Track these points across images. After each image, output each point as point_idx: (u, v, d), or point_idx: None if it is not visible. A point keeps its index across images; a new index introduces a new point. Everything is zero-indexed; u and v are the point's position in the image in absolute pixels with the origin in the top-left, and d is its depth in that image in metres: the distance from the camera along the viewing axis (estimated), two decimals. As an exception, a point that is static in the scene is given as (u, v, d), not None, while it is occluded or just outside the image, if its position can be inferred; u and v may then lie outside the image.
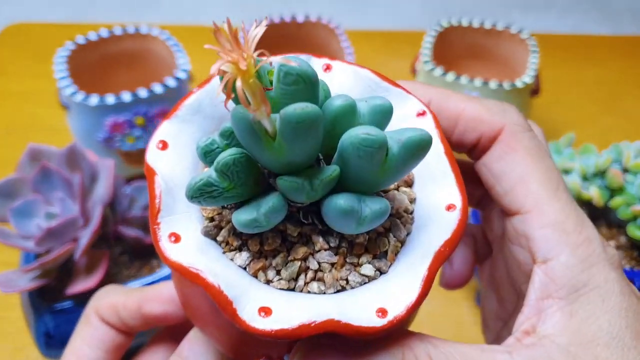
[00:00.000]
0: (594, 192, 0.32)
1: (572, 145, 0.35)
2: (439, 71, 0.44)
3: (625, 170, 0.33)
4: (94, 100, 0.39)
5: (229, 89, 0.11)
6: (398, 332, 0.13)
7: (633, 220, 0.31)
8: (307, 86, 0.11)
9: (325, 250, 0.13)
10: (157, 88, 0.40)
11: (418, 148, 0.12)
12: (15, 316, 0.38)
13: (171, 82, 0.41)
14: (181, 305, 0.16)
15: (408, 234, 0.14)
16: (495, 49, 0.51)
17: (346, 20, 0.76)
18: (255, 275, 0.13)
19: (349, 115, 0.12)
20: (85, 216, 0.29)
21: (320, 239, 0.13)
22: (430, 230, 0.13)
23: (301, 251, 0.13)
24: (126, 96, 0.40)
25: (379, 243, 0.13)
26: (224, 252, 0.13)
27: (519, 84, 0.43)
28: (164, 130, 0.15)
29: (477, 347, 0.13)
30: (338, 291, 0.13)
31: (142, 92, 0.40)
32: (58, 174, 0.29)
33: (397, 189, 0.14)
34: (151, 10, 0.78)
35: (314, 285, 0.13)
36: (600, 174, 0.33)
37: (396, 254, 0.13)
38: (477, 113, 0.16)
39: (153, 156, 0.14)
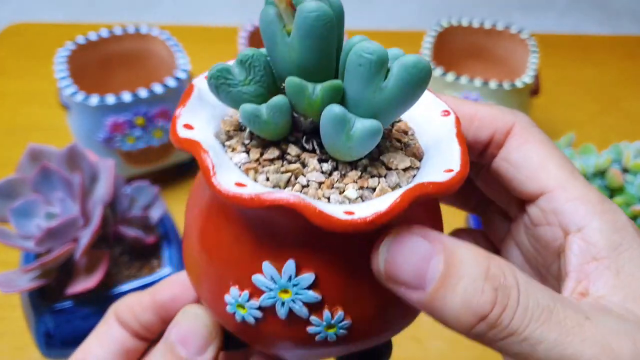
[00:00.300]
0: (593, 192, 0.32)
1: (572, 145, 0.35)
2: (439, 71, 0.44)
3: (625, 170, 0.33)
4: (94, 100, 0.39)
5: None
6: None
7: (633, 220, 0.31)
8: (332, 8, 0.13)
9: (317, 171, 0.13)
10: (157, 88, 0.40)
11: (415, 68, 0.12)
12: (15, 316, 0.38)
13: (171, 82, 0.41)
14: (184, 257, 0.16)
15: (400, 186, 0.14)
16: (495, 49, 0.50)
17: (346, 21, 0.76)
18: (245, 173, 0.13)
19: None
20: (86, 216, 0.29)
21: (315, 162, 0.13)
22: (421, 180, 0.13)
23: (294, 166, 0.13)
24: (126, 96, 0.40)
25: (370, 181, 0.13)
26: (226, 152, 0.14)
27: (518, 84, 0.43)
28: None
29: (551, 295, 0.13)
30: None
31: (142, 92, 0.40)
32: (58, 174, 0.29)
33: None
34: (151, 10, 0.78)
35: None
36: (600, 174, 0.33)
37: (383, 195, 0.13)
38: (490, 112, 0.17)
39: (199, 80, 0.15)
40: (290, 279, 0.13)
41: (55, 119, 0.54)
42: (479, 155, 0.18)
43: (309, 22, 0.12)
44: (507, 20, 0.62)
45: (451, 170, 0.13)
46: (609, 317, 0.13)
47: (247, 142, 0.14)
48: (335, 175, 0.13)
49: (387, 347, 0.18)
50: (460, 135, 0.14)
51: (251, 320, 0.14)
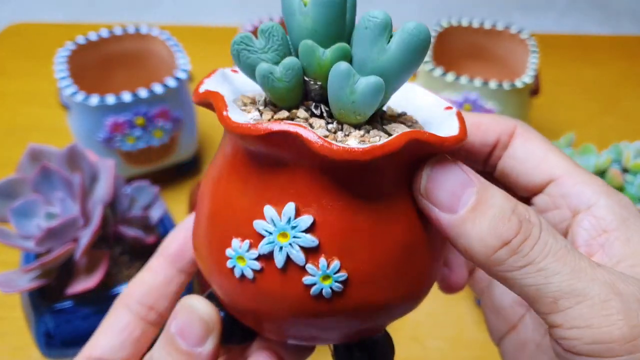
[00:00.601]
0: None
1: (572, 145, 0.35)
2: (438, 71, 0.44)
3: (625, 170, 0.33)
4: (94, 100, 0.39)
5: None
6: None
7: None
8: None
9: (322, 129, 0.14)
10: (157, 88, 0.41)
11: (416, 30, 0.13)
12: (15, 316, 0.38)
13: (171, 82, 0.41)
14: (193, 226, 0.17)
15: None
16: (495, 49, 0.51)
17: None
18: None
19: None
20: (86, 216, 0.29)
21: (322, 122, 0.14)
22: None
23: (302, 122, 0.14)
24: (126, 96, 0.40)
25: (371, 140, 0.14)
26: (241, 112, 0.15)
27: (518, 84, 0.43)
28: None
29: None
30: None
31: (143, 92, 0.40)
32: (58, 174, 0.29)
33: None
34: (151, 11, 0.78)
35: None
36: (600, 174, 0.33)
37: None
38: (493, 119, 0.19)
39: (225, 68, 0.16)
40: (289, 221, 0.14)
41: (55, 119, 0.54)
42: (485, 161, 0.19)
43: None
44: (507, 20, 0.62)
45: (449, 134, 0.14)
46: (618, 272, 0.14)
47: (261, 108, 0.15)
48: (340, 134, 0.14)
49: (390, 348, 0.18)
50: (460, 115, 0.15)
51: (250, 274, 0.14)
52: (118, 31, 0.46)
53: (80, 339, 0.30)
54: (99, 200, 0.29)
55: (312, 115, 0.15)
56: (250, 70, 0.14)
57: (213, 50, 0.63)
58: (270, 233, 0.14)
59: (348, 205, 0.14)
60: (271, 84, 0.14)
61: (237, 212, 0.14)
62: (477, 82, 0.43)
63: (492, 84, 0.42)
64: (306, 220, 0.14)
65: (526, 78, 0.43)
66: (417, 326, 0.38)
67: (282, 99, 0.14)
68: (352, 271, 0.14)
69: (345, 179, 0.13)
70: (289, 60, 0.14)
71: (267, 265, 0.14)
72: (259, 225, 0.14)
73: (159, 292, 0.20)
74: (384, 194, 0.14)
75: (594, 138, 0.54)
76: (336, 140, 0.14)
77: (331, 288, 0.14)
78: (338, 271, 0.14)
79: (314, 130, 0.13)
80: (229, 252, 0.15)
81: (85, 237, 0.28)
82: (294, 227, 0.14)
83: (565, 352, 0.13)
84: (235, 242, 0.14)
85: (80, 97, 0.39)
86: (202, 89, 0.14)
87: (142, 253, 0.33)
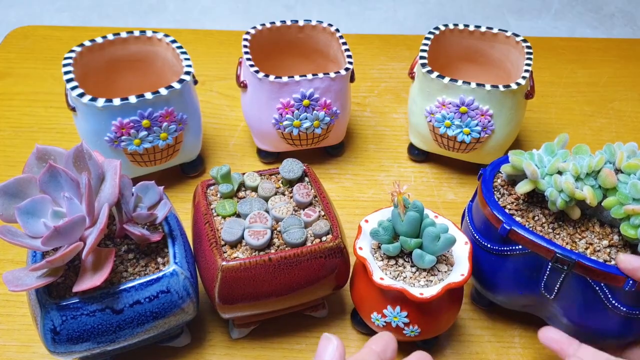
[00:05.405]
0: (587, 192, 0.32)
1: (566, 146, 0.36)
2: (436, 74, 0.45)
3: (619, 171, 0.33)
4: (100, 101, 0.40)
5: (398, 202, 0.32)
6: None
7: (626, 219, 0.32)
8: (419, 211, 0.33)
9: (410, 272, 0.34)
10: (163, 90, 0.41)
11: (450, 239, 0.32)
12: (22, 313, 0.39)
13: (176, 84, 0.42)
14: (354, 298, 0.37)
15: (443, 279, 0.34)
16: (490, 52, 0.51)
17: (346, 25, 0.77)
18: (382, 271, 0.34)
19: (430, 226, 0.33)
20: (92, 215, 0.30)
21: (409, 266, 0.34)
22: (450, 279, 0.33)
23: (400, 269, 0.34)
24: (132, 98, 0.40)
25: (431, 278, 0.33)
26: (375, 260, 0.34)
27: (513, 86, 0.44)
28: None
29: None
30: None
31: (148, 94, 0.41)
32: (65, 174, 0.29)
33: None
34: (157, 15, 0.78)
35: (405, 283, 0.33)
36: (595, 173, 0.33)
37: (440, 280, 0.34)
38: None
39: (363, 224, 0.35)
40: (398, 313, 0.33)
41: (62, 121, 0.54)
42: None
43: (409, 219, 0.32)
44: (502, 23, 0.63)
45: (463, 274, 0.33)
46: None
47: (381, 256, 0.34)
48: (417, 273, 0.33)
49: (435, 338, 0.38)
50: (470, 256, 0.34)
51: (382, 324, 0.34)
52: (124, 34, 0.46)
53: (86, 335, 0.30)
54: (106, 200, 0.30)
55: (404, 261, 0.34)
56: (377, 242, 0.34)
57: (217, 53, 0.64)
58: (389, 316, 0.34)
59: (424, 307, 0.33)
60: (388, 253, 0.33)
61: (373, 303, 0.34)
62: (473, 84, 0.43)
63: (487, 87, 0.43)
64: (404, 313, 0.33)
65: (521, 80, 0.44)
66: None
67: (391, 256, 0.34)
68: (422, 328, 0.34)
69: (424, 300, 0.31)
70: (395, 245, 0.33)
71: (389, 324, 0.34)
72: (385, 312, 0.34)
73: None
74: (439, 301, 0.33)
75: (587, 138, 0.55)
76: (417, 278, 0.33)
77: (414, 333, 0.34)
78: (418, 329, 0.34)
79: (412, 288, 0.32)
80: (373, 315, 0.34)
81: (92, 235, 0.29)
82: (399, 315, 0.33)
83: None
84: (375, 315, 0.34)
85: (86, 98, 0.40)
86: (357, 250, 0.34)
87: (147, 251, 0.33)
